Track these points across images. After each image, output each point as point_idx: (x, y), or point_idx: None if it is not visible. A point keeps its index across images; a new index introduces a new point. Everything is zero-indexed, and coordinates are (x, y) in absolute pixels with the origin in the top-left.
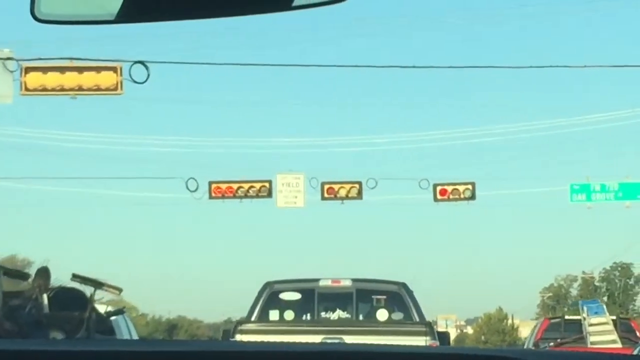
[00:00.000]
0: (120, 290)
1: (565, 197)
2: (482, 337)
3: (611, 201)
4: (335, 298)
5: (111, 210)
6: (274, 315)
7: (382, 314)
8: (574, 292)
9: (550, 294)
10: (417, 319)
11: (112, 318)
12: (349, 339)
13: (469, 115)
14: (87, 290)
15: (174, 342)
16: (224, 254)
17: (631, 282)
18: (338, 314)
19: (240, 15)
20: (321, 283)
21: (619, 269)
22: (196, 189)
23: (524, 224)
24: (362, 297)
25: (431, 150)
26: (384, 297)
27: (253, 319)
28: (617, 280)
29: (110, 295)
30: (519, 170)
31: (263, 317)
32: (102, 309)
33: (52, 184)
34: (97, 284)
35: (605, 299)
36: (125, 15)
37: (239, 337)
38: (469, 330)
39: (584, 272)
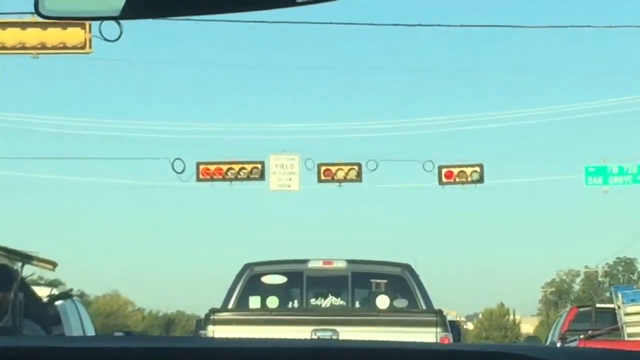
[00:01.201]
0: (54, 264)
1: (580, 181)
2: (484, 333)
3: (629, 185)
4: (327, 282)
5: (95, 198)
6: (254, 302)
7: (382, 301)
8: (576, 287)
9: (553, 289)
10: (425, 307)
11: (58, 303)
12: (343, 331)
13: (479, 98)
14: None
15: (134, 338)
16: (215, 242)
17: (634, 277)
18: (330, 300)
19: (243, 11)
20: (310, 265)
21: (623, 264)
22: (183, 171)
23: (530, 212)
24: (359, 281)
25: (437, 131)
26: (385, 281)
27: (230, 307)
28: (620, 276)
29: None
30: (530, 151)
31: (241, 305)
32: (44, 292)
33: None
34: (26, 258)
35: (607, 294)
36: (130, 11)
37: (211, 329)
38: (470, 326)
39: (586, 267)
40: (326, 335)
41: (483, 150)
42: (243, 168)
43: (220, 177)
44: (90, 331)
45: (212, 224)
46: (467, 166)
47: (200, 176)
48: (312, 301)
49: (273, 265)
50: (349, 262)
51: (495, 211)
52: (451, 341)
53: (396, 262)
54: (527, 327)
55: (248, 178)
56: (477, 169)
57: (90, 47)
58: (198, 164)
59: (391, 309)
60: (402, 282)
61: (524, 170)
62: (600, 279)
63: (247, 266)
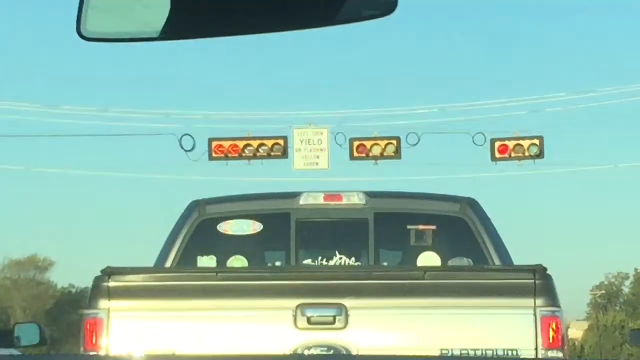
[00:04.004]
0: None
1: None
2: None
3: None
4: (333, 229)
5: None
6: (206, 261)
7: (428, 258)
8: (625, 290)
9: (603, 292)
10: (501, 263)
11: None
12: (356, 307)
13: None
14: None
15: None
16: None
17: None
18: (339, 260)
19: (283, 31)
20: (303, 201)
21: None
22: (192, 148)
23: (586, 204)
24: (387, 226)
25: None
26: (433, 227)
27: (168, 264)
28: None
29: None
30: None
31: (186, 263)
32: None
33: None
34: None
35: None
36: (169, 32)
37: (105, 306)
38: None
39: (636, 270)
40: (324, 315)
41: (544, 123)
42: (262, 144)
43: (237, 155)
44: None
45: None
46: (524, 139)
47: (213, 155)
48: (306, 261)
49: (238, 203)
50: (370, 196)
51: (547, 200)
52: (562, 325)
53: (452, 195)
54: (576, 332)
55: (269, 156)
56: (537, 142)
57: None
58: (210, 141)
59: (446, 269)
60: (462, 227)
61: (585, 153)
62: None
63: (195, 204)
